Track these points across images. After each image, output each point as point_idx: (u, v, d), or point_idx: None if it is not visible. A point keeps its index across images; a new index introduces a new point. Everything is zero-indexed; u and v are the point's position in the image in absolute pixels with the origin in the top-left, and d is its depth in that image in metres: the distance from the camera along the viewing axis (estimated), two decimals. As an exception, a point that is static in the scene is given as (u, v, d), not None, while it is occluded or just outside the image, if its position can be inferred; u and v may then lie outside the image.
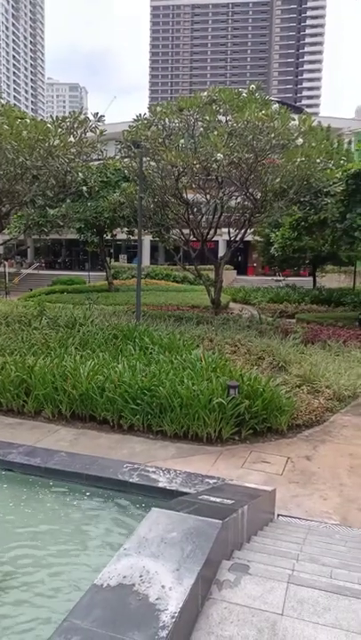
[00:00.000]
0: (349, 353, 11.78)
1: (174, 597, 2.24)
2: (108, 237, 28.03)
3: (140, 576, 2.39)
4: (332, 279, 32.46)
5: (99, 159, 18.13)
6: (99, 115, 12.87)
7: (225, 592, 2.61)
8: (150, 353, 9.94)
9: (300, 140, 12.87)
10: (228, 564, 2.87)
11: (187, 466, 6.38)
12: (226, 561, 2.93)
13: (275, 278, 32.67)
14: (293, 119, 13.05)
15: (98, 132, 13.15)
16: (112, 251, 42.19)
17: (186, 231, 16.75)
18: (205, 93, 13.58)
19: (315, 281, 29.10)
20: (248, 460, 6.76)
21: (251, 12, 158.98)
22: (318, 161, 13.51)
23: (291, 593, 2.62)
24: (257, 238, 28.53)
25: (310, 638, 2.32)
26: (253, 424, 7.56)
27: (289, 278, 32.26)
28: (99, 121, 12.97)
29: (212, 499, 3.74)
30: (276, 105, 13.82)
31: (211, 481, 5.45)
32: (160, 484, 5.36)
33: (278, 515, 5.24)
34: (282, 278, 31.89)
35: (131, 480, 5.47)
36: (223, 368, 8.67)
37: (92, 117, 13.02)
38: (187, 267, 18.09)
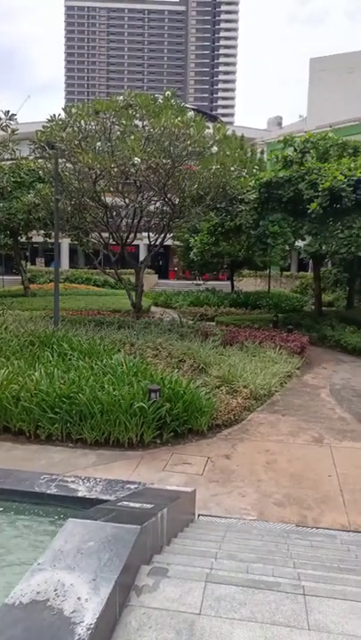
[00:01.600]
0: (265, 353, 12.27)
1: (91, 609, 2.19)
2: (24, 240, 27.00)
3: (55, 590, 2.31)
4: (249, 283, 33.68)
5: (11, 159, 17.42)
6: (10, 113, 12.37)
7: (143, 597, 2.59)
8: (69, 359, 9.70)
9: (215, 148, 13.24)
10: (147, 568, 2.86)
11: (108, 473, 6.29)
12: (145, 566, 2.91)
13: (195, 282, 33.26)
14: (208, 127, 13.40)
15: (9, 130, 12.63)
16: (28, 254, 40.68)
17: (105, 235, 16.57)
18: (122, 97, 13.55)
19: (233, 285, 30.02)
20: (170, 463, 6.80)
21: (167, 20, 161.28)
22: (233, 169, 13.97)
23: (208, 592, 2.66)
24: (177, 243, 28.91)
25: (227, 634, 2.37)
26: (175, 426, 7.63)
27: (209, 282, 33.00)
28: (10, 119, 12.48)
29: (132, 504, 3.71)
30: (192, 112, 14.12)
31: (132, 486, 5.39)
32: (79, 494, 5.21)
33: (199, 515, 5.32)
34: (202, 282, 32.54)
35: (49, 491, 5.27)
36: (144, 372, 8.67)
37: (2, 115, 12.49)
38: (107, 271, 17.89)
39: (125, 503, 3.80)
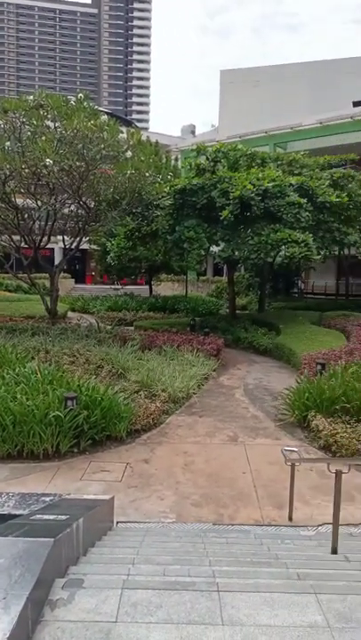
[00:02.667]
0: (183, 356, 12.47)
1: (0, 629, 2.10)
2: None
3: None
4: (167, 287, 34.07)
5: None
6: None
7: (58, 611, 2.53)
8: (-22, 369, 9.19)
9: (129, 153, 13.26)
10: (62, 581, 2.80)
11: (22, 486, 6.05)
12: (60, 579, 2.84)
13: (113, 287, 33.02)
14: (122, 132, 13.40)
15: None
16: None
17: (17, 237, 15.95)
18: (32, 97, 13.15)
19: (151, 289, 30.19)
20: (87, 471, 6.68)
21: (79, 22, 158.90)
22: (148, 174, 14.08)
23: (125, 598, 2.66)
24: (94, 247, 28.52)
25: (143, 638, 2.39)
26: (92, 434, 7.51)
27: (127, 287, 32.92)
28: None
29: (46, 517, 3.61)
30: (106, 116, 14.04)
31: (47, 499, 5.23)
32: (-9, 510, 4.97)
33: (117, 522, 5.28)
34: (120, 287, 32.39)
35: None
36: (60, 380, 8.45)
37: None
38: (19, 275, 17.20)
39: (39, 516, 3.69)
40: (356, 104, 29.94)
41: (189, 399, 10.09)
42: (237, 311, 21.98)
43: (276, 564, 3.56)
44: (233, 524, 5.41)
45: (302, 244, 14.33)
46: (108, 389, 8.36)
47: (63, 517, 3.53)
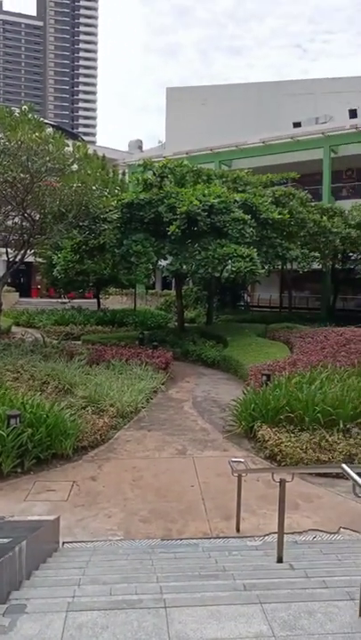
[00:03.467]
0: (131, 370, 12.40)
1: None
2: None
3: None
4: (116, 301, 33.85)
5: None
6: None
7: (-2, 641, 2.43)
8: None
9: (75, 166, 13.18)
10: (3, 607, 2.69)
11: None
12: (1, 605, 2.73)
13: (60, 300, 32.37)
14: (68, 145, 13.31)
15: None
16: None
17: None
18: (-26, 107, 12.82)
19: (99, 303, 29.87)
20: (32, 492, 6.47)
21: (24, 33, 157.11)
22: (94, 188, 14.03)
23: (70, 621, 2.59)
24: (39, 260, 27.93)
25: (88, 661, 2.33)
26: (37, 452, 7.30)
27: (75, 300, 32.38)
28: None
29: (-13, 541, 3.46)
30: (51, 129, 13.91)
31: (-12, 522, 5.03)
32: None
33: (64, 542, 5.14)
34: (67, 300, 31.81)
35: None
36: (3, 397, 8.16)
37: None
38: None
39: (-21, 541, 3.53)
40: (296, 125, 31.30)
41: (138, 413, 10.03)
42: (186, 324, 22.16)
43: (223, 576, 3.59)
44: (182, 539, 5.40)
45: (248, 259, 14.72)
46: (54, 406, 8.17)
47: (5, 541, 3.40)
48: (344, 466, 2.96)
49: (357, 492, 2.75)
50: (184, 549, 4.83)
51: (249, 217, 15.59)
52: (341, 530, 5.67)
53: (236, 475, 5.56)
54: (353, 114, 28.48)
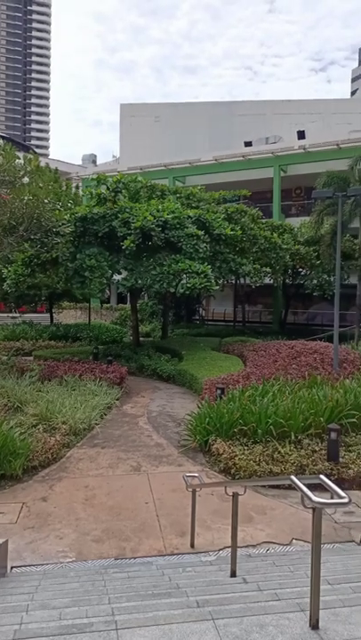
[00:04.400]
0: (85, 386, 12.20)
1: None
2: None
3: None
4: (69, 315, 33.32)
5: None
6: None
7: None
8: None
9: (26, 179, 12.98)
10: None
11: None
12: None
13: (11, 315, 31.53)
14: (19, 157, 13.11)
15: None
16: None
17: None
18: None
19: (52, 317, 29.31)
20: (-21, 515, 6.20)
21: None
22: (47, 201, 13.84)
23: (16, 650, 2.49)
24: (-11, 274, 27.14)
25: None
26: (-15, 474, 7.01)
27: (26, 315, 31.62)
28: None
29: None
30: (1, 140, 13.66)
31: None
32: None
33: (12, 567, 4.94)
34: (18, 315, 31.02)
35: None
36: None
37: None
38: None
39: None
40: (247, 144, 32.23)
41: (92, 430, 9.85)
42: (141, 338, 22.09)
43: (176, 593, 3.55)
44: (135, 557, 5.31)
45: (202, 275, 14.89)
46: (3, 425, 7.90)
47: None
48: (293, 477, 3.02)
49: (306, 502, 2.80)
50: (138, 568, 4.75)
51: (202, 233, 15.83)
52: (294, 541, 5.75)
53: (190, 490, 5.55)
54: (301, 135, 29.65)
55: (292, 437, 8.34)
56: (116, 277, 17.55)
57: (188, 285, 14.95)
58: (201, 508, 5.93)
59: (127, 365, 15.96)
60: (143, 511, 6.42)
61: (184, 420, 10.19)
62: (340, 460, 7.71)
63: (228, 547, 5.04)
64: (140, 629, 2.71)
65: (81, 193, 28.28)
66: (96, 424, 10.19)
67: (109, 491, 7.05)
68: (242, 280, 24.70)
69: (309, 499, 2.71)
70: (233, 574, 4.10)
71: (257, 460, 7.64)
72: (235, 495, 4.17)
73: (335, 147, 25.74)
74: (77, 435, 9.41)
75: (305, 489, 2.80)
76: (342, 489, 6.74)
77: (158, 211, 15.21)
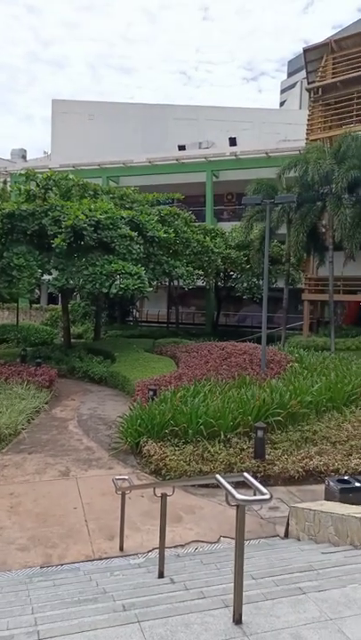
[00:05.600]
0: (11, 390, 11.75)
1: None
2: None
3: None
4: (-4, 316, 31.93)
5: None
6: None
7: None
8: None
9: None
10: None
11: None
12: None
13: None
14: None
15: None
16: None
17: None
18: None
19: (-23, 318, 27.97)
20: None
21: None
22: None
23: None
24: None
25: None
26: None
27: None
28: None
29: None
30: None
31: None
32: None
33: None
34: None
35: None
36: None
37: None
38: None
39: None
40: (181, 148, 32.57)
41: (18, 435, 9.50)
42: (73, 340, 21.62)
43: (102, 598, 3.51)
44: (62, 564, 5.19)
45: (135, 277, 14.85)
46: None
47: None
48: (218, 476, 3.08)
49: (230, 500, 2.87)
50: (64, 575, 4.64)
51: (136, 234, 15.79)
52: (222, 539, 5.87)
53: (119, 492, 5.50)
54: (233, 142, 30.41)
55: (222, 436, 8.53)
56: (47, 277, 17.07)
57: (122, 286, 14.85)
58: (131, 510, 5.90)
59: (57, 368, 15.57)
60: (71, 516, 6.28)
61: (115, 422, 10.10)
62: (267, 457, 7.98)
63: (157, 548, 5.05)
64: (64, 638, 2.65)
65: (9, 189, 27.26)
66: (23, 429, 9.85)
67: (36, 497, 6.83)
68: (175, 282, 24.91)
69: (233, 496, 2.77)
70: (161, 575, 4.11)
71: (187, 459, 7.73)
72: (163, 496, 4.19)
73: (265, 155, 26.63)
74: (2, 441, 9.04)
75: (229, 487, 2.87)
76: (268, 485, 6.98)
77: (91, 210, 14.98)
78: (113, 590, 3.71)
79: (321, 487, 6.82)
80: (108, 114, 38.99)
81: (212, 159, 28.65)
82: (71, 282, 15.38)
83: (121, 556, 5.36)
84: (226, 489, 2.89)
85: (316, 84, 22.29)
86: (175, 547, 5.48)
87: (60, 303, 25.31)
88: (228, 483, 2.98)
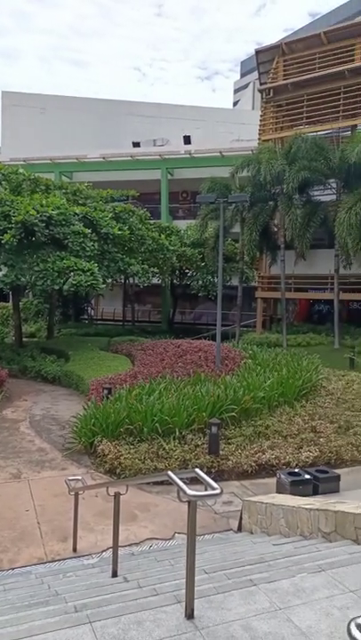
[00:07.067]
0: None
1: None
2: None
3: None
4: None
5: None
6: None
7: None
8: None
9: None
10: None
11: None
12: None
13: None
14: None
15: None
16: None
17: None
18: None
19: None
20: None
21: None
22: None
23: None
24: None
25: None
26: None
27: None
28: None
29: None
30: None
31: None
32: None
33: None
34: None
35: None
36: None
37: None
38: None
39: None
40: (135, 144, 32.38)
41: None
42: (25, 339, 21.09)
43: (54, 600, 3.45)
44: (13, 568, 5.06)
45: (89, 273, 14.64)
46: None
47: None
48: (169, 473, 3.10)
49: (181, 496, 2.89)
50: (15, 579, 4.53)
51: (90, 231, 15.57)
52: (176, 535, 5.91)
53: (72, 493, 5.43)
54: (187, 140, 30.52)
55: (177, 433, 8.57)
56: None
57: (74, 282, 14.59)
58: (85, 510, 5.84)
59: (8, 368, 15.14)
60: (23, 519, 6.14)
61: (69, 422, 9.95)
62: (221, 452, 8.09)
63: (112, 547, 5.02)
64: (13, 644, 2.59)
65: None
66: (-28, 432, 9.53)
67: (-14, 501, 6.63)
68: (131, 280, 24.77)
69: (184, 492, 2.80)
70: (114, 574, 4.09)
71: (142, 458, 7.72)
72: (116, 495, 4.17)
73: (218, 154, 26.87)
74: None
75: (180, 483, 2.89)
76: (222, 480, 7.08)
77: (42, 206, 14.63)
78: (65, 592, 3.66)
79: (273, 480, 6.99)
80: (61, 108, 38.20)
81: (166, 157, 28.64)
82: (22, 279, 14.98)
83: (74, 557, 5.30)
84: (177, 485, 2.91)
85: (268, 85, 22.70)
86: (130, 545, 5.47)
87: (10, 301, 24.61)
88: (181, 479, 3.00)
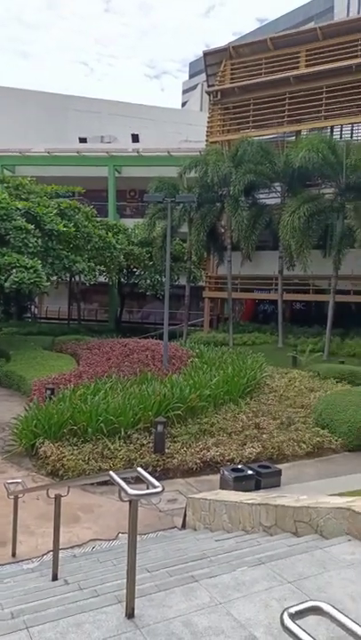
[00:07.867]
0: None
1: None
2: None
3: None
4: None
5: None
6: None
7: None
8: None
9: None
10: None
11: None
12: None
13: None
14: None
15: None
16: None
17: None
18: None
19: None
20: None
21: None
22: None
23: None
24: None
25: None
26: None
27: None
28: None
29: None
30: None
31: None
32: None
33: None
34: None
35: None
36: None
37: None
38: None
39: None
40: (82, 140, 31.83)
41: None
42: None
43: (-11, 609, 3.32)
44: None
45: (31, 270, 14.24)
46: None
47: None
48: (111, 473, 3.06)
49: (122, 496, 2.86)
50: None
51: (33, 227, 15.14)
52: (120, 535, 5.85)
53: (11, 497, 5.25)
54: (135, 138, 30.40)
55: (122, 433, 8.50)
56: None
57: (16, 280, 14.14)
58: (26, 513, 5.67)
59: None
60: None
61: (9, 424, 9.62)
62: (167, 450, 8.11)
63: (52, 550, 4.90)
64: None
65: None
66: None
67: None
68: (77, 278, 24.31)
69: (125, 492, 2.77)
70: (55, 578, 4.00)
71: (86, 458, 7.60)
72: (57, 497, 4.07)
73: (166, 153, 26.91)
74: None
75: (121, 482, 2.86)
76: (168, 478, 7.09)
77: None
78: (2, 598, 3.53)
79: (217, 477, 7.08)
80: (3, 99, 36.94)
81: (114, 154, 28.37)
82: None
83: (13, 562, 5.12)
84: (118, 485, 2.88)
85: (216, 87, 22.99)
86: (72, 547, 5.36)
87: None
88: (124, 479, 2.97)
